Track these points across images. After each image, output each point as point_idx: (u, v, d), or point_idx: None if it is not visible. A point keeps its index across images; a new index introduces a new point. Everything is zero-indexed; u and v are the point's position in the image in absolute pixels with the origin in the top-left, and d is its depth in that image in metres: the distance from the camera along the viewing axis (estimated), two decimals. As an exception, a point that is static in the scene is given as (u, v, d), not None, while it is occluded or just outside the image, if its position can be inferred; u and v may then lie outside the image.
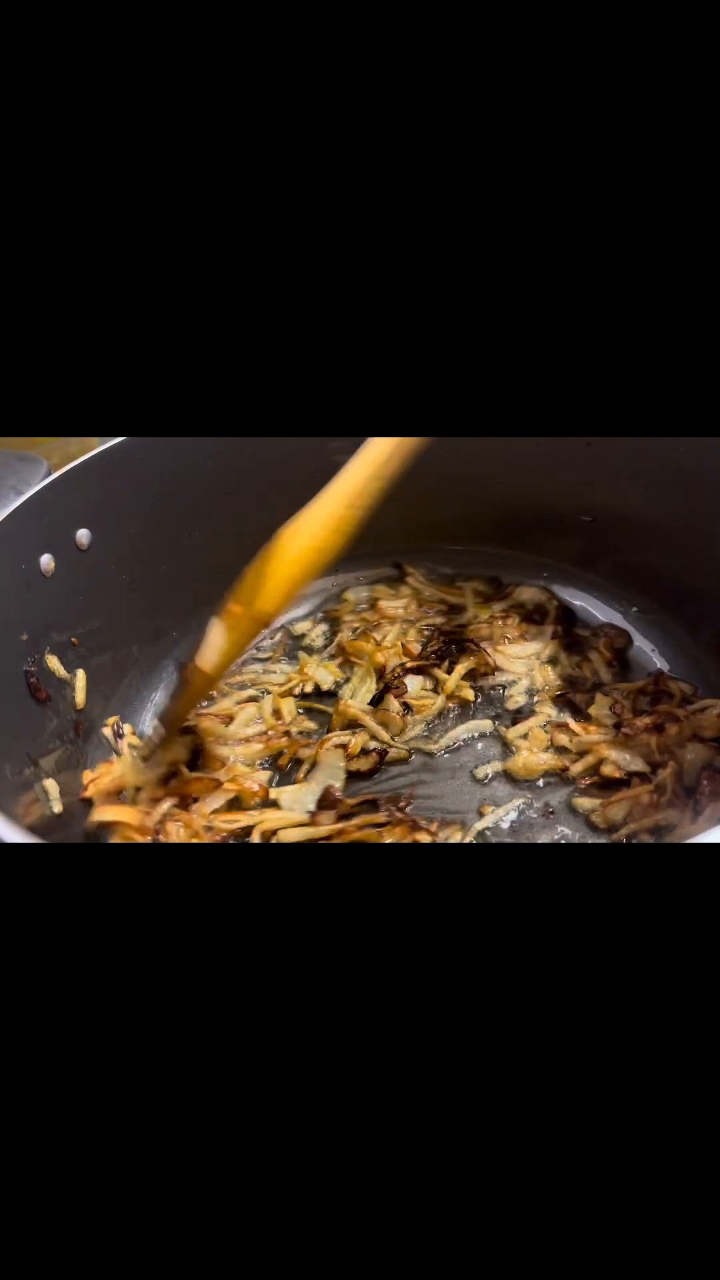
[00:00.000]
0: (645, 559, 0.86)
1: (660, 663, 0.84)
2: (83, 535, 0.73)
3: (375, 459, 0.64)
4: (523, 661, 0.85)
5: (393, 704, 0.80)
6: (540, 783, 0.75)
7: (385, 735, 0.79)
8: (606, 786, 0.73)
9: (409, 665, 0.84)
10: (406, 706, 0.81)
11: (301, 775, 0.77)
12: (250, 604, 0.67)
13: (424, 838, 0.69)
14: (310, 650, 0.92)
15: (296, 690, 0.86)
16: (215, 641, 0.69)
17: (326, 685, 0.86)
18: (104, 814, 0.70)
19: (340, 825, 0.70)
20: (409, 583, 0.97)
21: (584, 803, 0.72)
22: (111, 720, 0.79)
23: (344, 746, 0.77)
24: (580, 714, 0.79)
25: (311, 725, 0.83)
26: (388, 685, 0.82)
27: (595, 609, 0.91)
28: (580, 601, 0.92)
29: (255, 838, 0.71)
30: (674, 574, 0.83)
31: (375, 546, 0.95)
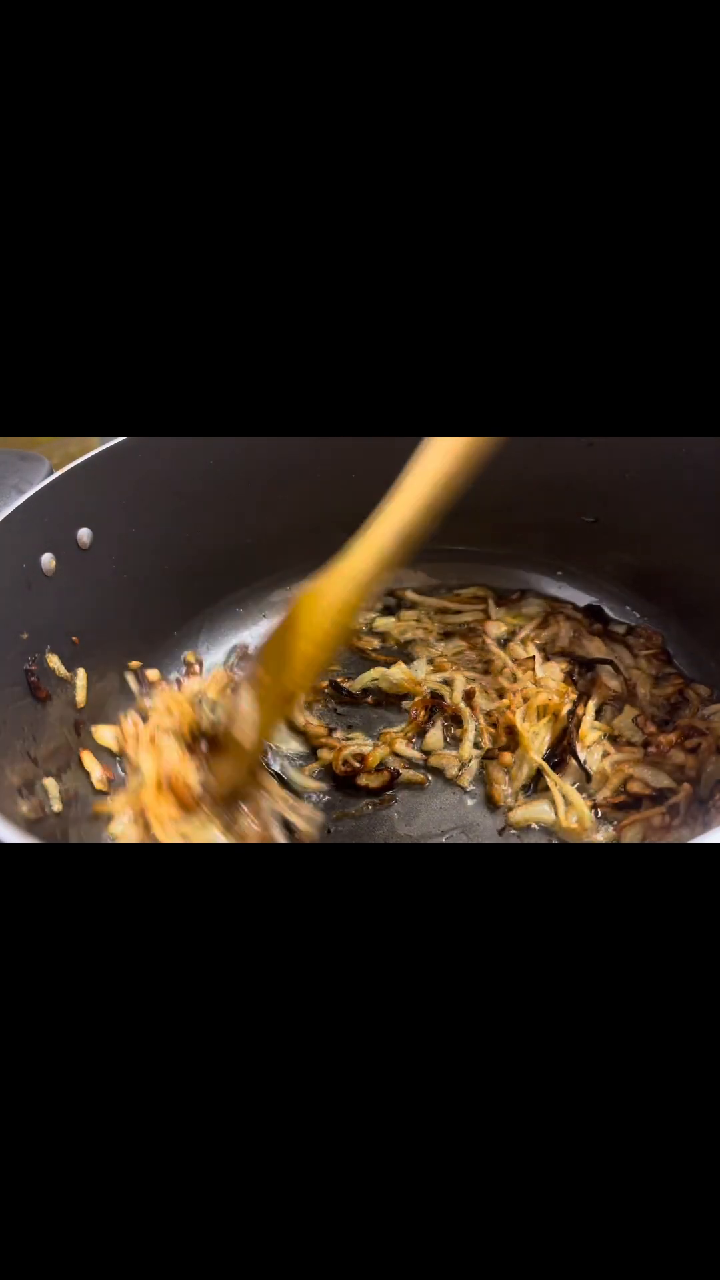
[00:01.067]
0: (648, 560, 0.86)
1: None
2: (84, 534, 0.73)
3: (436, 473, 0.51)
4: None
5: (571, 768, 0.72)
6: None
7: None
8: (625, 807, 0.71)
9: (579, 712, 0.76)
10: (587, 774, 0.73)
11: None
12: (278, 677, 0.59)
13: None
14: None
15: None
16: (247, 712, 0.62)
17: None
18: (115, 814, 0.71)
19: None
20: (410, 602, 0.93)
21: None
22: (136, 664, 0.81)
23: (361, 757, 0.77)
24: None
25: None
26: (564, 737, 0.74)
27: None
28: (583, 604, 0.92)
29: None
30: (678, 575, 0.83)
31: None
